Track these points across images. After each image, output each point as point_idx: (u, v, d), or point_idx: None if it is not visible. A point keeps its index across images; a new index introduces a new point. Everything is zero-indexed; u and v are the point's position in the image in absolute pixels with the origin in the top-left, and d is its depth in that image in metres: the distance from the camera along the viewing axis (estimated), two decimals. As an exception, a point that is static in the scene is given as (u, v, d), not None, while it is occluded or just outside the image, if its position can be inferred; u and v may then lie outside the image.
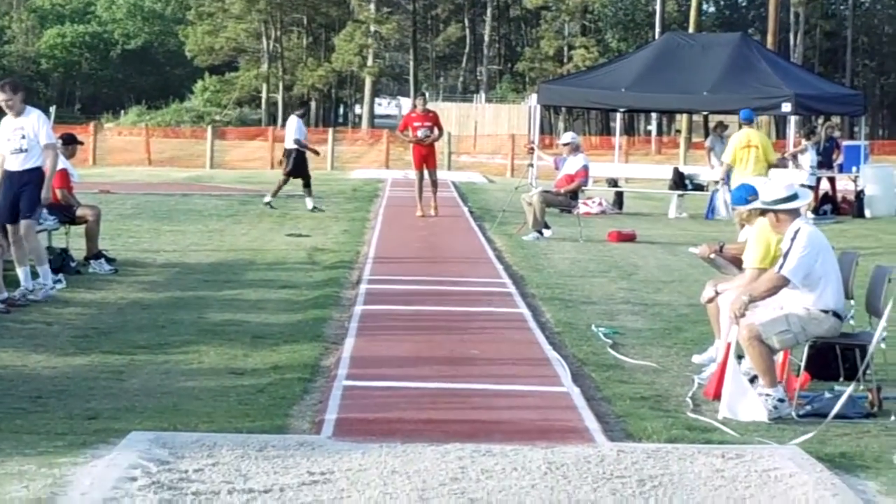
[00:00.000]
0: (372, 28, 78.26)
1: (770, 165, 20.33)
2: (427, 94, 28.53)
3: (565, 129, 50.38)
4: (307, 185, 24.16)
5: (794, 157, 25.65)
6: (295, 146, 24.20)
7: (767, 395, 8.11)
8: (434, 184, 23.00)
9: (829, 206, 26.07)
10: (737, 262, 9.71)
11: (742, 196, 9.43)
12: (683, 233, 21.08)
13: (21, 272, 12.12)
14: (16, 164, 12.11)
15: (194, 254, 16.45)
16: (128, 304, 12.22)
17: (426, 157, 22.99)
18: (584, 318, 11.80)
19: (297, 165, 24.16)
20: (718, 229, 19.95)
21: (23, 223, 12.13)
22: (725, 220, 22.72)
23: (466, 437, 7.21)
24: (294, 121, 24.71)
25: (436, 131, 23.06)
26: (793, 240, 8.34)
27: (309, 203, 23.87)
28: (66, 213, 14.83)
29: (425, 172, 22.94)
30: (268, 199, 24.12)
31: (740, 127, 21.28)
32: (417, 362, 9.59)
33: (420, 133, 22.77)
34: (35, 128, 12.04)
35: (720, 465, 6.77)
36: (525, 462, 6.70)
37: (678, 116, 58.98)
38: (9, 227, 12.19)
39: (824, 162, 26.28)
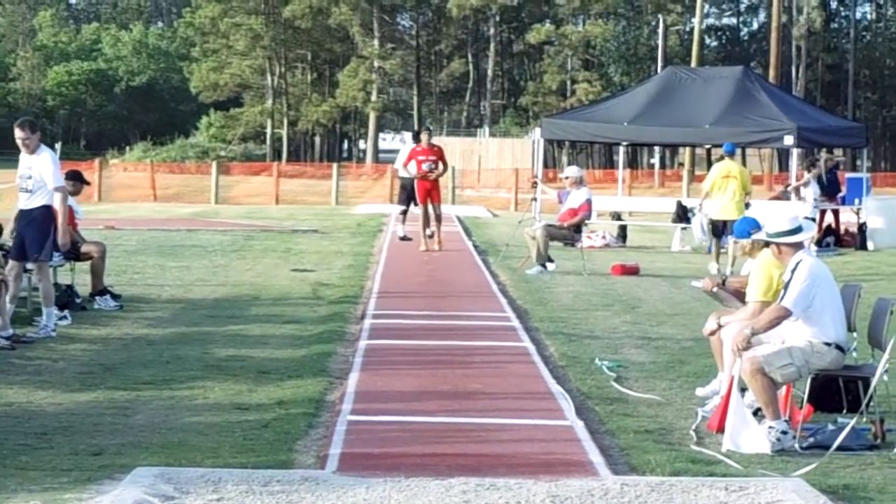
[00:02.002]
0: (376, 64, 78.59)
1: (747, 195, 20.82)
2: (432, 129, 28.60)
3: (569, 163, 50.47)
4: (405, 213, 24.62)
5: (797, 190, 25.71)
6: (408, 175, 24.20)
7: (771, 427, 8.13)
8: (438, 218, 23.07)
9: (832, 239, 26.10)
10: (739, 296, 9.73)
11: (744, 229, 9.46)
12: (686, 266, 21.10)
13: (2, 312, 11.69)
14: (23, 202, 12.26)
15: (199, 289, 16.47)
16: (133, 339, 12.25)
17: (430, 192, 23.06)
18: (588, 352, 11.82)
19: (411, 191, 24.14)
20: (721, 262, 19.97)
21: (33, 265, 12.21)
22: (700, 245, 23.06)
23: (470, 472, 7.22)
24: (407, 150, 24.93)
25: (440, 166, 23.17)
26: (793, 271, 8.38)
27: (400, 231, 24.56)
28: (71, 249, 14.84)
29: (429, 207, 23.03)
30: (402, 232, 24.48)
31: (721, 158, 22.07)
32: (422, 397, 9.61)
33: (424, 166, 22.89)
34: (43, 170, 12.11)
35: (724, 498, 6.78)
36: (529, 496, 6.71)
37: (681, 149, 59.13)
38: (10, 262, 12.28)
39: (830, 192, 26.31)
